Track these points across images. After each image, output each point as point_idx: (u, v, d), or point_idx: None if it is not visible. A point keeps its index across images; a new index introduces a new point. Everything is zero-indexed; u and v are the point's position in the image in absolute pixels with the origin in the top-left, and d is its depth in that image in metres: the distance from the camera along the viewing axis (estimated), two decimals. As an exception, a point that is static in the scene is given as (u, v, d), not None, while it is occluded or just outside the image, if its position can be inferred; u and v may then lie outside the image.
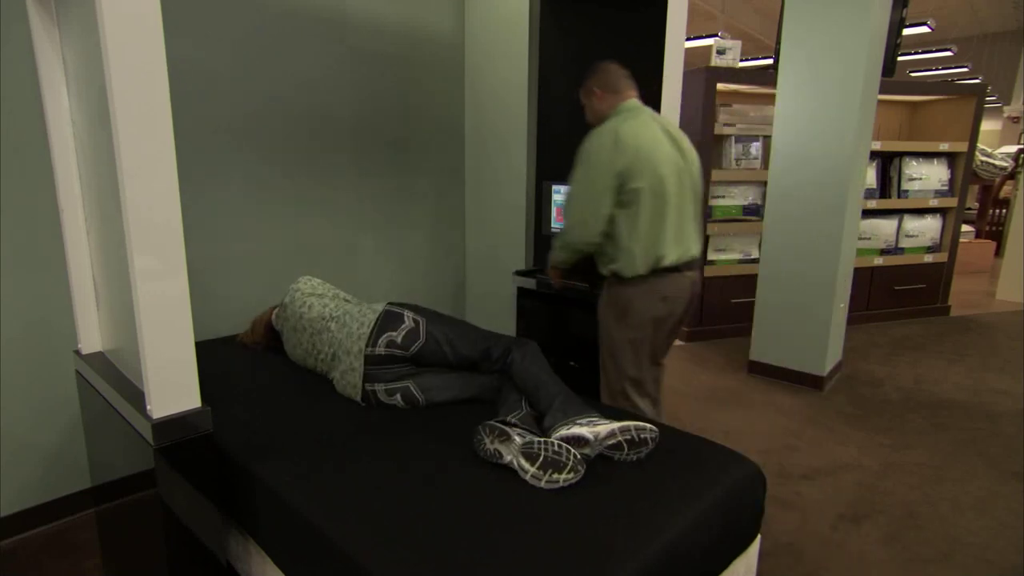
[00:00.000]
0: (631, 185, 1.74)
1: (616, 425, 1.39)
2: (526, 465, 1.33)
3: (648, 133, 1.79)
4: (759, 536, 1.55)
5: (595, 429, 1.40)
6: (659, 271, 1.80)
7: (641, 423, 1.41)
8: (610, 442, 1.39)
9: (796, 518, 2.11)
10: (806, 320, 3.34)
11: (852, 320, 4.05)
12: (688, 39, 6.93)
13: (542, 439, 1.36)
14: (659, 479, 1.38)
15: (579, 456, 1.34)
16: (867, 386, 3.41)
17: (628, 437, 1.39)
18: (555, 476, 1.30)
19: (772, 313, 3.48)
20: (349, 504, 1.27)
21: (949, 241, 4.75)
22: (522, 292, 2.64)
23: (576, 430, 1.40)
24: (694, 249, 1.89)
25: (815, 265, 3.28)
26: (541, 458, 1.32)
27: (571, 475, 1.31)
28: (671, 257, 1.80)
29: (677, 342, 4.20)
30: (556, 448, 1.32)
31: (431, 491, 1.32)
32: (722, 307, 4.25)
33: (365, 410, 1.73)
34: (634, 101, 1.90)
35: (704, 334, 4.27)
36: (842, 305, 3.42)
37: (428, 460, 1.45)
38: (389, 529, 1.19)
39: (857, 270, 3.99)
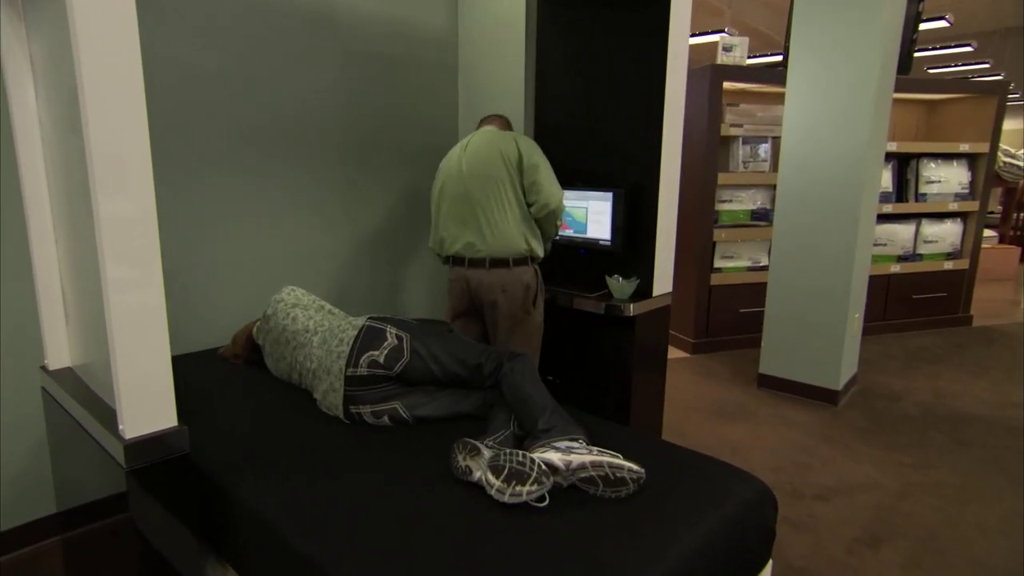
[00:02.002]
0: (432, 196, 2.24)
1: (588, 459, 1.34)
2: (492, 479, 1.29)
3: (450, 155, 2.21)
4: (771, 560, 1.50)
5: (568, 458, 1.36)
6: (447, 258, 2.20)
7: (619, 462, 1.34)
8: (582, 475, 1.34)
9: (810, 541, 2.04)
10: (819, 331, 3.26)
11: (868, 331, 3.95)
12: (693, 35, 6.86)
13: (509, 451, 1.33)
14: (663, 498, 1.34)
15: (544, 467, 1.30)
16: (884, 400, 3.32)
17: (602, 474, 1.33)
18: (518, 488, 1.26)
19: (783, 323, 3.40)
20: (335, 527, 1.24)
21: (970, 247, 4.65)
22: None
23: (550, 455, 1.37)
24: (478, 245, 2.07)
25: (828, 273, 3.20)
26: (506, 470, 1.29)
27: (534, 487, 1.26)
28: (446, 251, 2.19)
29: (682, 353, 4.10)
30: (520, 459, 1.30)
31: (421, 511, 1.29)
32: (730, 317, 4.16)
33: (350, 427, 1.69)
34: (483, 129, 2.23)
35: (711, 345, 4.16)
36: (857, 315, 3.34)
37: (417, 478, 1.42)
38: (378, 553, 1.15)
39: (873, 278, 3.90)
